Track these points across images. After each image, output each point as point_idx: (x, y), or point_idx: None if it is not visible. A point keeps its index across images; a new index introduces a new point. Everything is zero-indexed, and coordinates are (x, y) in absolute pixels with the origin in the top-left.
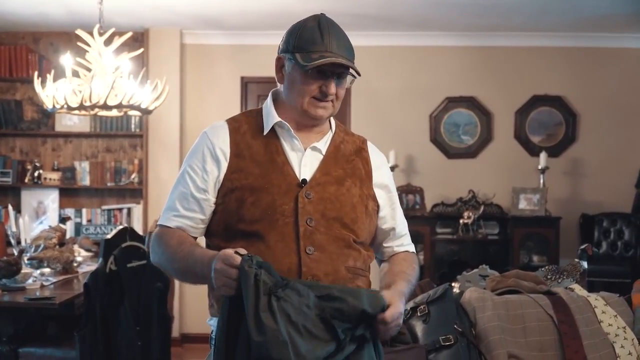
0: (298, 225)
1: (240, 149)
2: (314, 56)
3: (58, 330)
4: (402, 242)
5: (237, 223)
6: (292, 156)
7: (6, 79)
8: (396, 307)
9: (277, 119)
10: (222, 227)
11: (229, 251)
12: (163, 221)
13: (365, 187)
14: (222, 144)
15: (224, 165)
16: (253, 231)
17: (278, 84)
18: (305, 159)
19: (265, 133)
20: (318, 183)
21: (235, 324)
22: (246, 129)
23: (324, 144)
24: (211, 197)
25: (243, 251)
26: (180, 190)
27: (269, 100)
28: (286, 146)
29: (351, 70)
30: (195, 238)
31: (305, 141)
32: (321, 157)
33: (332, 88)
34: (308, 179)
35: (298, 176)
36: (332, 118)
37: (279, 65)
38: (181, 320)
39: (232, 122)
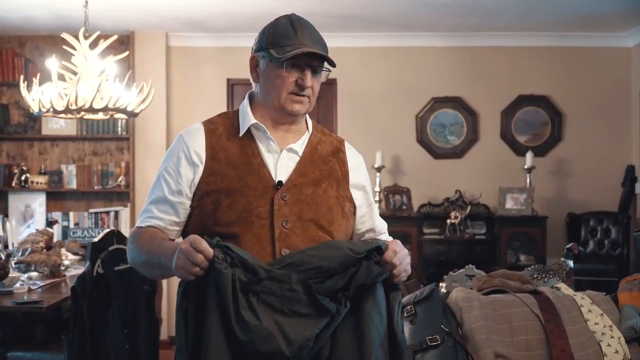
0: (273, 227)
1: (216, 152)
2: (289, 49)
3: (46, 334)
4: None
5: (214, 226)
6: (268, 158)
7: None
8: (395, 243)
9: (252, 120)
10: (198, 230)
11: (199, 237)
12: (138, 223)
13: (341, 189)
14: (198, 147)
15: (200, 168)
16: (229, 233)
17: (253, 84)
18: (281, 161)
19: (240, 135)
20: (294, 185)
21: (194, 311)
22: (222, 131)
23: (300, 145)
24: (185, 200)
25: (213, 239)
26: (156, 193)
27: (246, 101)
28: (262, 148)
29: (326, 64)
30: (173, 241)
31: (282, 142)
32: (297, 158)
33: (309, 80)
34: (284, 180)
35: (274, 178)
36: (308, 119)
37: (254, 65)
38: (169, 323)
39: (208, 124)
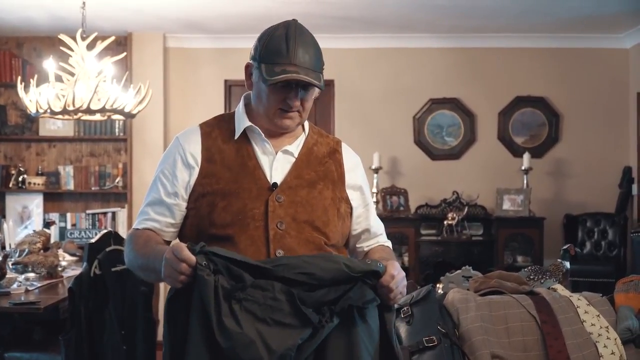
0: (268, 229)
1: (212, 154)
2: (277, 69)
3: (43, 335)
4: (378, 241)
5: (209, 228)
6: (264, 160)
7: None
8: (393, 267)
9: (247, 123)
10: (194, 232)
11: (181, 244)
12: (135, 225)
13: (337, 190)
14: (194, 149)
15: (196, 170)
16: (224, 235)
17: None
18: (276, 163)
19: (236, 137)
20: (289, 186)
21: (180, 318)
22: (218, 134)
23: (296, 147)
24: (181, 202)
25: (197, 245)
26: (152, 195)
27: (241, 104)
28: (257, 150)
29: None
30: (169, 243)
31: (277, 144)
32: (293, 160)
33: (295, 101)
34: (279, 182)
35: (269, 180)
36: (305, 120)
37: (248, 72)
38: None
39: (205, 127)
